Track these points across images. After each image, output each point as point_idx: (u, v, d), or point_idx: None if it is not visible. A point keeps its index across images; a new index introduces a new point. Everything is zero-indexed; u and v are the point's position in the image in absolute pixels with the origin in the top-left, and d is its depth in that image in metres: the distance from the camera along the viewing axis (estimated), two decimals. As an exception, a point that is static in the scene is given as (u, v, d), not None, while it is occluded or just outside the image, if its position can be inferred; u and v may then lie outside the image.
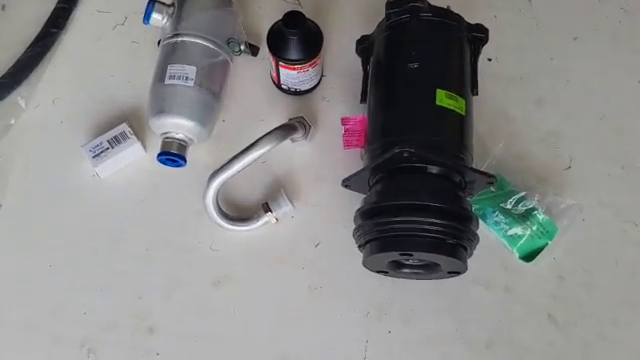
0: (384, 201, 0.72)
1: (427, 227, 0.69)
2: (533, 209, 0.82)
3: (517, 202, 0.83)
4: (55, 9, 0.94)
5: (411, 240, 0.69)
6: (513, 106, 0.91)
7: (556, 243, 0.82)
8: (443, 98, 0.74)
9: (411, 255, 0.71)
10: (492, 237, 0.84)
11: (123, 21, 0.96)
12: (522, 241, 0.82)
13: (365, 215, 0.73)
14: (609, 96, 0.93)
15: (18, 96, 0.89)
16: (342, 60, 0.93)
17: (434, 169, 0.72)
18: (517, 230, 0.82)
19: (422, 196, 0.69)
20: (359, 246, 0.75)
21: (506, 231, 0.83)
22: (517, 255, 0.83)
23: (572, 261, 0.83)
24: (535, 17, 0.98)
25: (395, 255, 0.72)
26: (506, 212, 0.83)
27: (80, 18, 0.96)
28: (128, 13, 0.96)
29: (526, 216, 0.82)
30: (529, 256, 0.82)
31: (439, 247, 0.69)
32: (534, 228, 0.82)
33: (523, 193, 0.83)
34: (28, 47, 0.91)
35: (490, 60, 0.94)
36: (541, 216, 0.82)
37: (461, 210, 0.71)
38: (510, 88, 0.93)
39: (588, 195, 0.86)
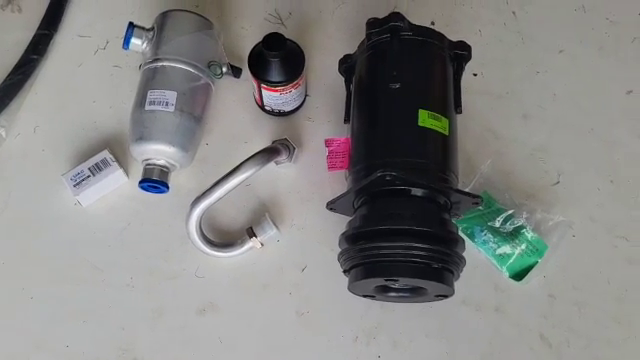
0: (368, 226, 0.70)
1: (411, 252, 0.67)
2: (521, 227, 0.81)
3: (505, 220, 0.81)
4: (35, 35, 0.93)
5: (396, 265, 0.68)
6: (500, 122, 0.90)
7: (546, 261, 0.81)
8: (426, 119, 0.73)
9: (396, 280, 0.70)
10: (481, 257, 0.82)
11: (104, 45, 0.95)
12: (511, 260, 0.81)
13: (349, 240, 0.72)
14: (597, 109, 0.92)
15: (-2, 125, 0.88)
16: (326, 79, 0.92)
17: (418, 191, 0.71)
18: (506, 249, 0.81)
19: (405, 220, 0.68)
20: (344, 271, 0.74)
21: (495, 250, 0.81)
22: (507, 274, 0.81)
23: (563, 279, 0.82)
24: (520, 31, 0.97)
25: (380, 280, 0.71)
26: (494, 231, 0.82)
27: (61, 43, 0.95)
28: (110, 37, 0.95)
29: (515, 234, 0.81)
30: (519, 275, 0.81)
31: (424, 272, 0.68)
32: (523, 246, 0.81)
33: (511, 211, 0.81)
34: (8, 75, 0.90)
35: (475, 75, 0.93)
36: (530, 234, 0.81)
37: (446, 233, 0.69)
38: (496, 103, 0.92)
39: (578, 211, 0.85)
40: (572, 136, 0.90)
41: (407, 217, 0.69)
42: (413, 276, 0.68)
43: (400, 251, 0.68)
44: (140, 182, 0.81)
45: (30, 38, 0.93)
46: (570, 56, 0.96)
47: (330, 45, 0.95)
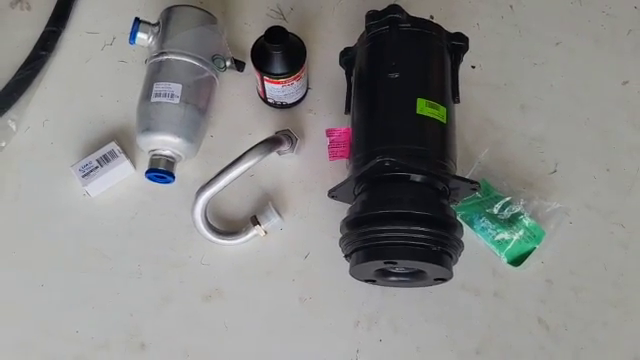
0: (368, 211, 0.72)
1: (410, 235, 0.69)
2: (519, 214, 0.83)
3: (503, 207, 0.83)
4: (44, 32, 0.96)
5: (395, 248, 0.70)
6: (498, 112, 0.92)
7: (544, 247, 0.83)
8: (424, 107, 0.74)
9: (395, 263, 0.72)
10: (480, 243, 0.84)
11: (111, 41, 0.97)
12: (510, 246, 0.83)
13: (350, 225, 0.74)
14: (593, 99, 0.94)
15: (9, 119, 0.90)
16: (328, 73, 0.94)
17: (417, 177, 0.73)
18: (504, 235, 0.83)
19: (404, 205, 0.70)
20: (345, 256, 0.76)
21: (493, 236, 0.83)
22: (505, 260, 0.83)
23: (560, 264, 0.84)
24: (517, 24, 0.99)
25: (380, 264, 0.72)
26: (493, 217, 0.83)
27: (69, 39, 0.97)
28: (116, 33, 0.97)
29: (513, 221, 0.83)
30: (517, 261, 0.83)
31: (423, 254, 0.70)
32: (521, 233, 0.83)
33: (508, 198, 0.83)
34: (17, 70, 0.92)
35: (474, 67, 0.95)
36: (527, 220, 0.83)
37: (444, 217, 0.71)
38: (494, 94, 0.94)
39: (574, 198, 0.87)
40: (569, 126, 0.92)
41: (406, 201, 0.70)
42: (412, 258, 0.70)
43: (398, 234, 0.69)
44: (147, 172, 0.83)
45: (39, 35, 0.95)
46: (567, 48, 0.97)
47: (331, 39, 0.97)
